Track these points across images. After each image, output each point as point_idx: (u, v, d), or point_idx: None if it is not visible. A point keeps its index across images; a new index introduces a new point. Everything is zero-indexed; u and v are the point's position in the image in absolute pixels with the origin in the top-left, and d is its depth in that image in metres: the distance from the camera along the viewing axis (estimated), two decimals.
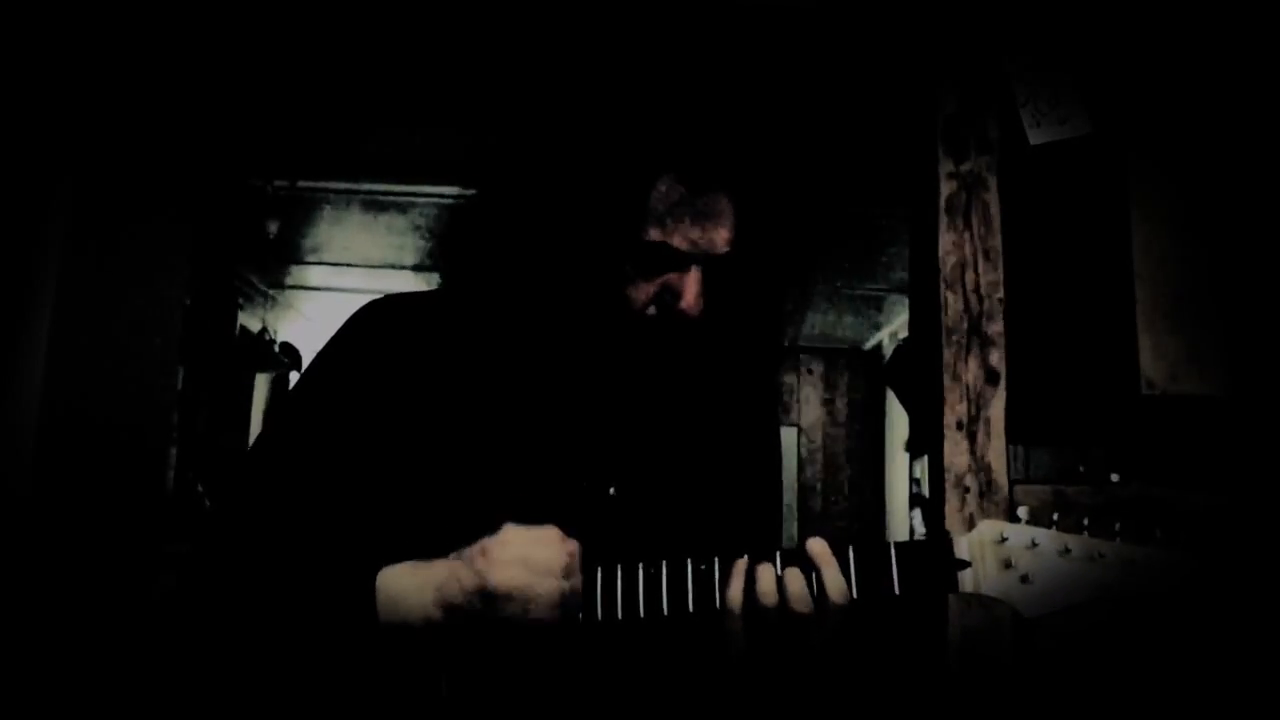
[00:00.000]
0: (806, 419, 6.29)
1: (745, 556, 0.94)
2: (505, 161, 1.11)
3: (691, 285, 1.01)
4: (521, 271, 1.05)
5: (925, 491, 2.72)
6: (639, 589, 0.95)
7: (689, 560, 0.95)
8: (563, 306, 1.04)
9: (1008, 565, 0.90)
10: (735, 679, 0.99)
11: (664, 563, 0.96)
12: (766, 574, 0.93)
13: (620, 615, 0.95)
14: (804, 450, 6.22)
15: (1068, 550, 0.89)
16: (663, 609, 0.95)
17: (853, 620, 0.93)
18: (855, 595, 0.93)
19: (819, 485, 6.19)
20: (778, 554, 0.95)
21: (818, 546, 0.94)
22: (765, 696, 1.01)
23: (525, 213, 1.06)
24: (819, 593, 0.92)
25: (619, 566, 0.96)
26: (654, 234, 1.00)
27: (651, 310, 1.03)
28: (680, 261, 1.01)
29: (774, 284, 1.12)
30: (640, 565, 0.96)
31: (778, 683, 0.99)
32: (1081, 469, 1.86)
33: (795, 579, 0.92)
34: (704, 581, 0.95)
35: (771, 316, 1.15)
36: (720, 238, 1.02)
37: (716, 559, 0.95)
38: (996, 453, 1.89)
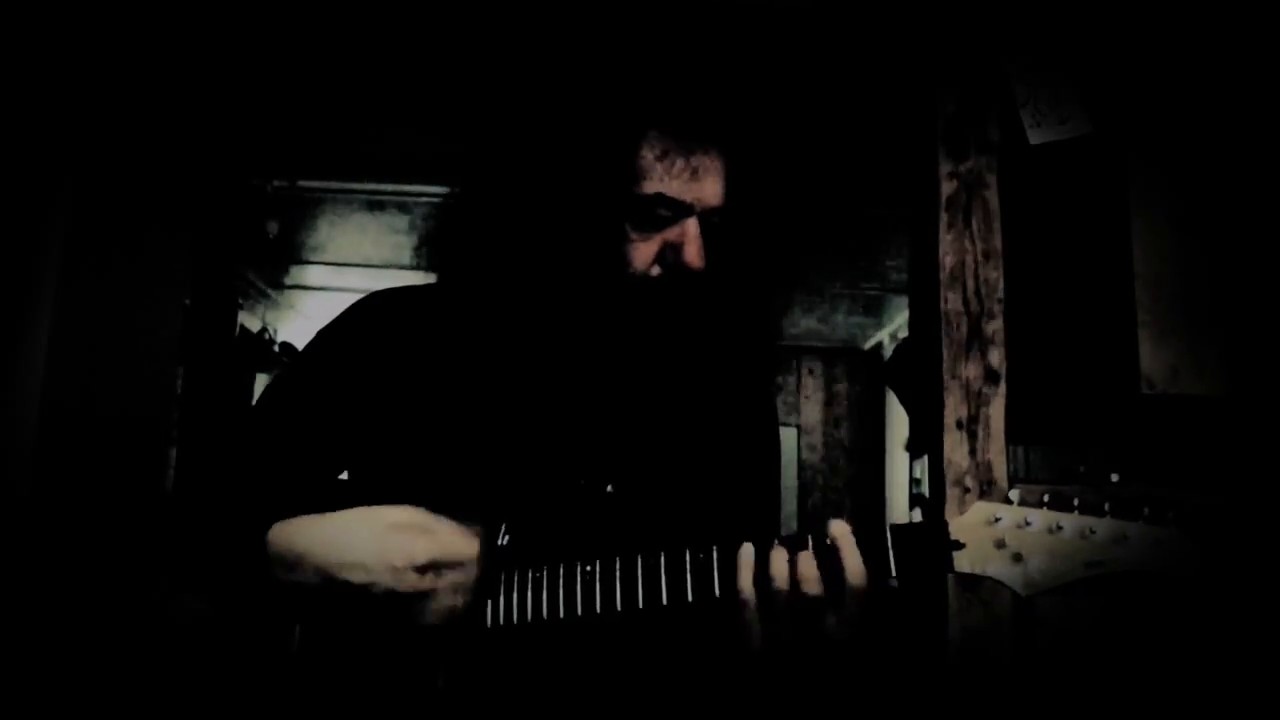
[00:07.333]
0: (806, 419, 6.28)
1: (749, 543, 0.93)
2: (500, 150, 1.12)
3: (691, 237, 1.02)
4: (521, 256, 1.06)
5: (925, 491, 2.72)
6: (638, 582, 0.95)
7: (687, 551, 0.95)
8: (565, 285, 1.05)
9: (1001, 545, 0.90)
10: (754, 672, 0.99)
11: (661, 554, 0.96)
12: (780, 558, 0.92)
13: (620, 607, 0.95)
14: (804, 450, 6.22)
15: (1059, 528, 0.90)
16: (661, 599, 0.95)
17: (873, 603, 0.92)
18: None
19: (819, 485, 6.18)
20: (776, 540, 0.94)
21: (838, 529, 0.92)
22: (786, 688, 1.01)
23: (522, 195, 1.06)
24: (837, 575, 0.91)
25: (617, 559, 0.97)
26: (647, 187, 1.02)
27: (655, 270, 1.04)
28: (677, 211, 1.03)
29: (768, 263, 1.13)
30: (640, 557, 0.96)
31: (798, 673, 0.98)
32: (1081, 469, 1.85)
33: (807, 562, 0.91)
34: (702, 571, 0.95)
35: (766, 296, 1.15)
36: (712, 188, 1.03)
37: (715, 548, 0.95)
38: (996, 452, 1.89)
